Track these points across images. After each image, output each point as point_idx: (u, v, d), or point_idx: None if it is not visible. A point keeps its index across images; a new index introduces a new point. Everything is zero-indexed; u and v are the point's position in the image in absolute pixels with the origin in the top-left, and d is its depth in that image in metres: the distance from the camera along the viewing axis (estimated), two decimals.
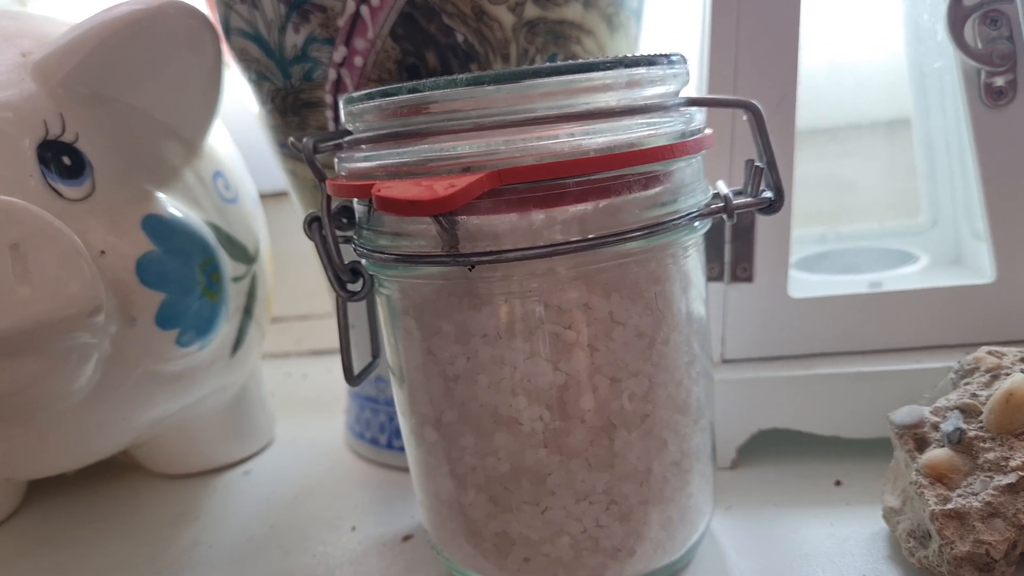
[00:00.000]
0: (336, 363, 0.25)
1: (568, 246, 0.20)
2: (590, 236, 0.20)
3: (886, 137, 0.41)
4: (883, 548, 0.25)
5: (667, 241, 0.22)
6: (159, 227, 0.28)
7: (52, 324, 0.24)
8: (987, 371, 0.24)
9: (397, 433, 0.34)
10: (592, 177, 0.20)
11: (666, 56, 0.21)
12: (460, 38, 0.27)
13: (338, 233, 0.23)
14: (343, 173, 0.23)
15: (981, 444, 0.22)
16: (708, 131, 0.23)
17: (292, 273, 0.50)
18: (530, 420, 0.21)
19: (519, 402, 0.21)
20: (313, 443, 0.38)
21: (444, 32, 0.27)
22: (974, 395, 0.24)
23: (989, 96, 0.28)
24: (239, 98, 0.33)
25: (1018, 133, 0.28)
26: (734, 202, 0.23)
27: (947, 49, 0.28)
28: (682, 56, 0.22)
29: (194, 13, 0.28)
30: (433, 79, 0.20)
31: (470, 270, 0.20)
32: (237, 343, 0.34)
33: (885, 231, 0.40)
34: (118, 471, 0.37)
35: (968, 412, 0.23)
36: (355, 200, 0.24)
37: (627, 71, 0.20)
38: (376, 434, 0.35)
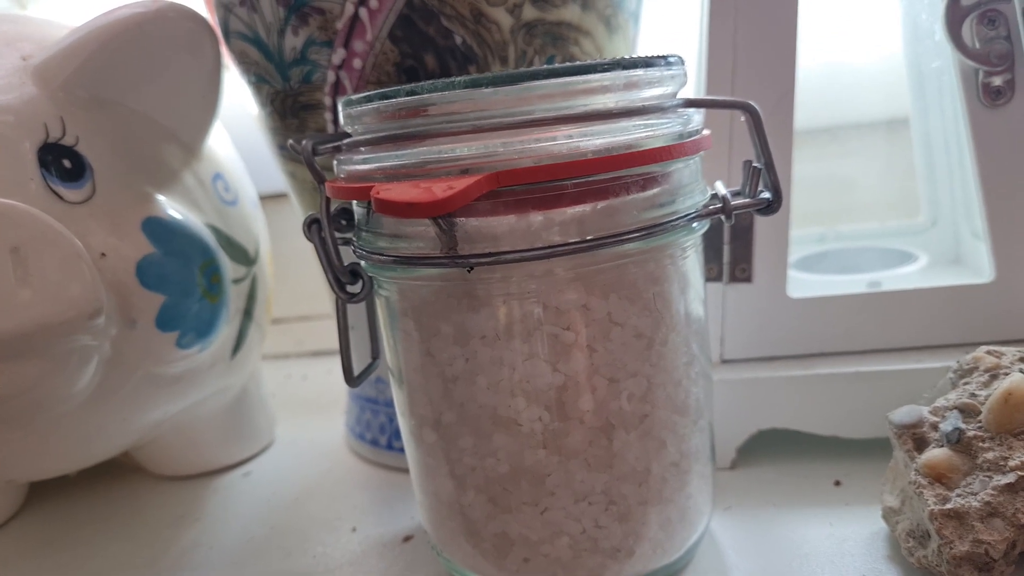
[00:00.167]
0: (336, 364, 0.26)
1: (566, 247, 0.20)
2: (588, 237, 0.20)
3: (885, 137, 0.41)
4: (882, 548, 0.25)
5: (665, 242, 0.22)
6: (159, 229, 0.28)
7: (53, 327, 0.24)
8: (986, 371, 0.24)
9: (397, 434, 0.34)
10: (590, 179, 0.20)
11: (664, 58, 0.21)
12: (458, 40, 0.27)
13: (337, 235, 0.23)
14: (342, 175, 0.23)
15: (980, 444, 0.22)
16: (706, 132, 0.23)
17: (292, 275, 0.50)
18: (529, 421, 0.22)
19: (518, 403, 0.21)
20: (313, 444, 0.38)
21: (442, 34, 0.27)
22: (973, 395, 0.24)
23: (987, 96, 0.28)
24: (239, 101, 0.33)
25: (1016, 133, 0.28)
26: (732, 203, 0.23)
27: (945, 49, 0.28)
28: (680, 57, 0.22)
29: (193, 16, 0.28)
30: (431, 81, 0.20)
31: (469, 271, 0.20)
32: (237, 345, 0.34)
33: (884, 231, 0.40)
34: (119, 473, 0.37)
35: (967, 412, 0.23)
36: (354, 202, 0.24)
37: (625, 73, 0.20)
38: (376, 435, 0.35)
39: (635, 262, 0.21)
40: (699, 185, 0.23)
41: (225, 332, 0.31)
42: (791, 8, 0.28)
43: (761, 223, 0.30)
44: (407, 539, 0.29)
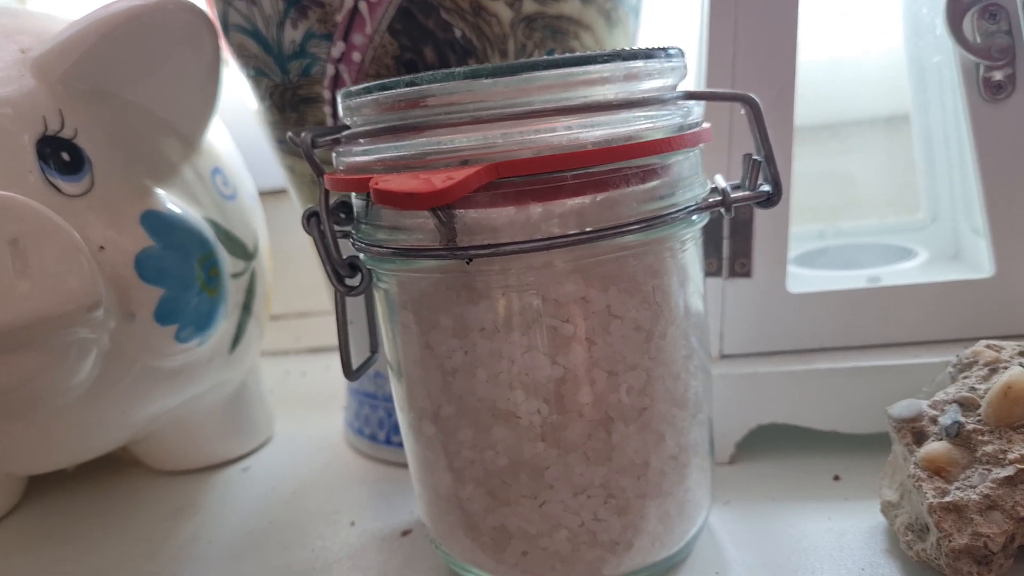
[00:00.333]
0: (335, 360, 0.25)
1: (566, 239, 0.20)
2: (588, 229, 0.20)
3: (886, 133, 0.41)
4: (881, 542, 0.25)
5: (665, 235, 0.22)
6: (158, 223, 0.28)
7: (51, 319, 0.24)
8: (985, 364, 0.24)
9: (396, 429, 0.34)
10: (590, 170, 0.20)
11: (664, 50, 0.21)
12: (458, 33, 0.27)
13: (336, 228, 0.23)
14: (341, 167, 0.23)
15: (979, 437, 0.22)
16: (706, 125, 0.23)
17: (292, 271, 0.50)
18: (528, 414, 0.22)
19: (517, 396, 0.21)
20: (312, 440, 0.38)
21: (442, 27, 0.27)
22: (972, 388, 0.24)
23: (988, 90, 0.28)
24: (238, 96, 0.33)
25: (1017, 127, 0.28)
26: (732, 196, 0.23)
27: (946, 43, 0.28)
28: (680, 50, 0.22)
29: (192, 9, 0.28)
30: (430, 72, 0.20)
31: (468, 263, 0.20)
32: (236, 339, 0.34)
33: (884, 227, 0.40)
34: (117, 467, 0.37)
35: (966, 405, 0.23)
36: (353, 194, 0.24)
37: (625, 64, 0.20)
38: (375, 430, 0.35)
39: (634, 254, 0.21)
40: (699, 178, 0.23)
41: (224, 326, 0.31)
42: (792, 1, 0.28)
43: (761, 218, 0.30)
44: (405, 533, 0.29)
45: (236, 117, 0.38)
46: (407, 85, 0.20)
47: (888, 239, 0.38)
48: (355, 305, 0.28)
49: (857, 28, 0.39)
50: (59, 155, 0.26)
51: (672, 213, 0.21)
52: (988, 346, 0.25)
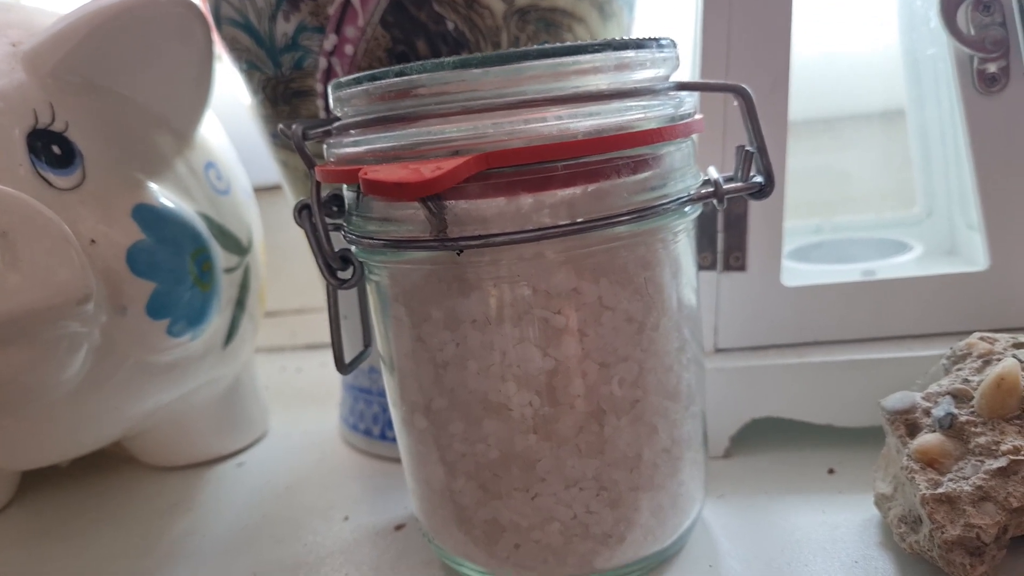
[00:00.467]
0: (329, 356, 0.25)
1: (556, 230, 0.20)
2: (578, 220, 0.20)
3: (881, 127, 0.41)
4: (875, 535, 0.25)
5: (656, 226, 0.21)
6: (150, 216, 0.28)
7: (41, 312, 0.23)
8: (979, 357, 0.24)
9: (390, 424, 0.34)
10: (580, 160, 0.20)
11: (655, 40, 0.21)
12: (450, 26, 0.27)
13: (328, 221, 0.23)
14: (332, 159, 0.23)
15: (972, 429, 0.22)
16: (698, 116, 0.23)
17: (286, 267, 0.50)
18: (520, 406, 0.21)
19: (509, 388, 0.21)
20: (307, 435, 0.38)
21: (434, 20, 0.27)
22: (966, 380, 0.24)
23: (982, 83, 0.28)
24: (232, 92, 0.33)
25: (1011, 120, 0.28)
26: (724, 187, 0.23)
27: (940, 36, 0.28)
28: (672, 40, 0.22)
29: (184, 2, 0.28)
30: (421, 62, 0.20)
31: (458, 255, 0.20)
32: (230, 335, 0.33)
33: (880, 222, 0.40)
34: (111, 463, 0.37)
35: (960, 397, 0.23)
36: (345, 187, 0.24)
37: (616, 54, 0.20)
38: (369, 425, 0.35)
39: (626, 246, 0.21)
40: (691, 169, 0.23)
41: (217, 321, 0.31)
42: None
43: (755, 211, 0.30)
44: (399, 527, 0.29)
45: (231, 112, 0.38)
46: (397, 75, 0.20)
47: (884, 234, 0.38)
48: (349, 300, 0.28)
49: (852, 22, 0.39)
50: (50, 148, 0.26)
51: (664, 204, 0.21)
52: (982, 338, 0.25)
